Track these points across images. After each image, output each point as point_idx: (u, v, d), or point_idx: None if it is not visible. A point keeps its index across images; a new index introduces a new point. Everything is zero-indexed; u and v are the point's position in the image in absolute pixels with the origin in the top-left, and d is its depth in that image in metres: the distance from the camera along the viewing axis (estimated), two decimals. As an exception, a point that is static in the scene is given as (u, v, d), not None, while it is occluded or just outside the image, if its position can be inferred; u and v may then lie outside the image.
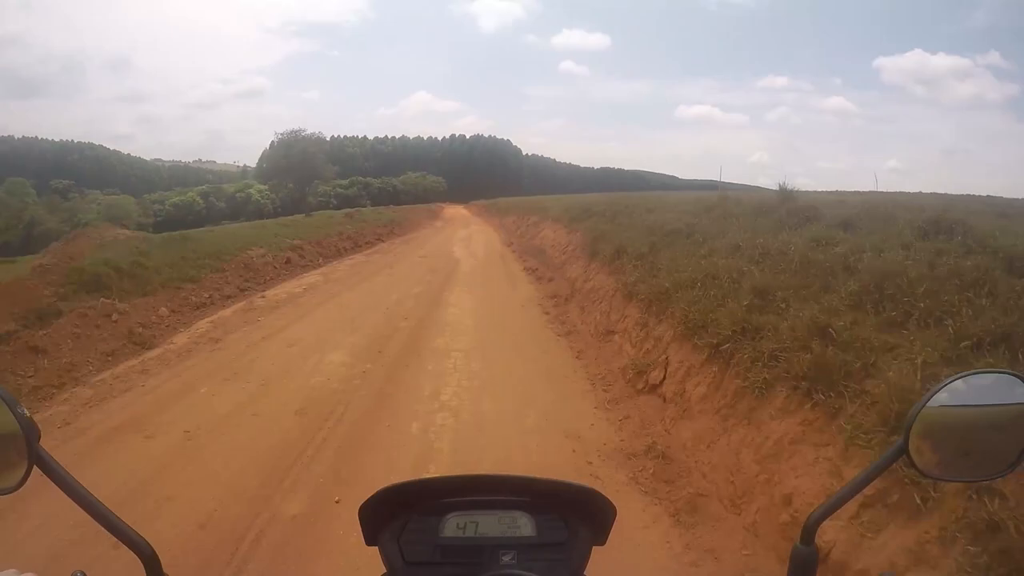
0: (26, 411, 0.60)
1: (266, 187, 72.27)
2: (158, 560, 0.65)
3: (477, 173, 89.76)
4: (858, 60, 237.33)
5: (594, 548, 0.86)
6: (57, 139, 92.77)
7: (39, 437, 0.60)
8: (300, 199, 70.69)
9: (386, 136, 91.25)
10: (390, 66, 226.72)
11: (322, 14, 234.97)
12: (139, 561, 0.64)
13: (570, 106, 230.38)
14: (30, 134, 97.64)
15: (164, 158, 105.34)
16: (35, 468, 0.60)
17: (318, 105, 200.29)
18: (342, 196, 68.25)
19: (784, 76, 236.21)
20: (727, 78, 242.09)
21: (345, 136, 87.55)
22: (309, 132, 39.13)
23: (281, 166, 39.37)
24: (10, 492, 0.61)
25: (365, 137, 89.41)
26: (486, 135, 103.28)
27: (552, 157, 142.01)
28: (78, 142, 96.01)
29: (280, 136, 38.59)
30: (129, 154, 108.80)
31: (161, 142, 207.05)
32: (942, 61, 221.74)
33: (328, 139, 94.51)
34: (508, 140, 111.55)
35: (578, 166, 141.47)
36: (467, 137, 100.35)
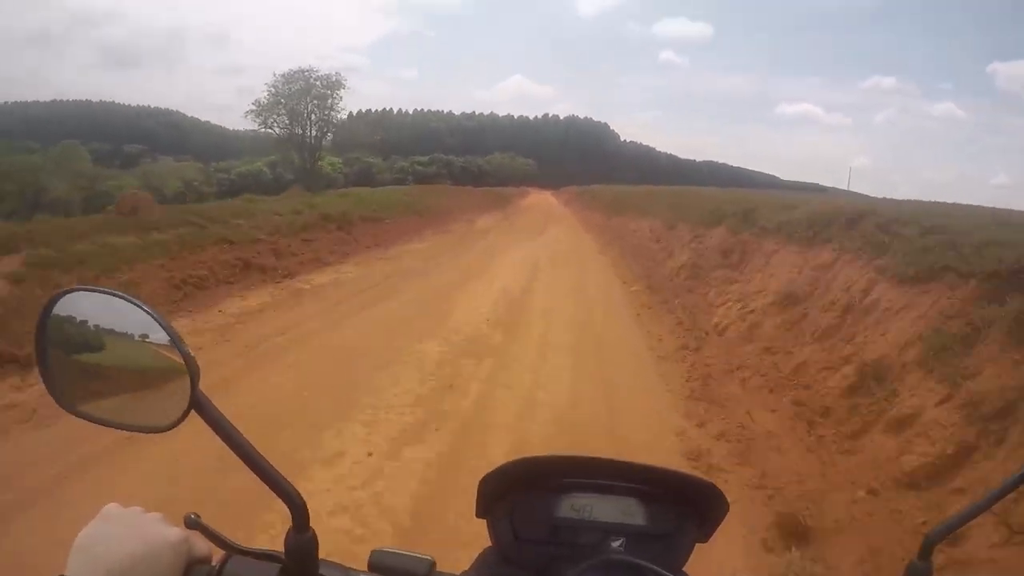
0: (190, 350, 0.60)
1: (340, 160, 68.29)
2: (307, 511, 0.65)
3: (570, 157, 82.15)
4: (971, 64, 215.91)
5: (697, 546, 0.85)
6: (133, 104, 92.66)
7: (200, 377, 0.60)
8: (375, 173, 65.82)
9: (474, 112, 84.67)
10: (487, 48, 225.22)
11: None
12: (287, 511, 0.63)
13: (667, 97, 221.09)
14: (129, 101, 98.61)
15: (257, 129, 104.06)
16: (192, 411, 0.61)
17: (414, 84, 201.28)
18: (420, 173, 62.83)
19: (891, 77, 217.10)
20: (831, 77, 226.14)
21: (429, 110, 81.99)
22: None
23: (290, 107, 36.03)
24: (164, 431, 0.62)
25: (451, 112, 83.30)
26: (582, 117, 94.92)
27: (652, 146, 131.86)
28: (154, 107, 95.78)
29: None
30: (208, 121, 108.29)
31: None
32: None
33: (410, 112, 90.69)
34: (605, 124, 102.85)
35: (678, 157, 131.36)
36: (561, 118, 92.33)
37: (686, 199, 16.75)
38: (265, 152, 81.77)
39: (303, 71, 37.52)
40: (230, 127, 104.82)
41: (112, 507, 0.62)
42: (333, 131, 41.02)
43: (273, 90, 37.95)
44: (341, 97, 39.97)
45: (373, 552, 0.75)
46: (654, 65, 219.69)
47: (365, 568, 0.73)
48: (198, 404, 0.60)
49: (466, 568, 0.83)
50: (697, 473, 0.88)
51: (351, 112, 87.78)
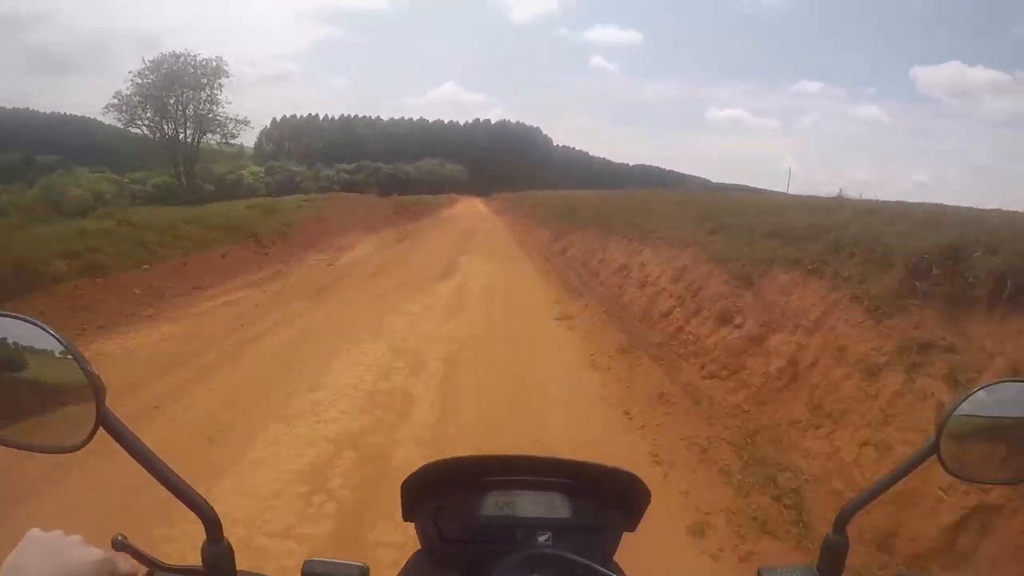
0: (94, 369, 0.61)
1: (262, 169, 65.80)
2: (219, 523, 0.66)
3: (502, 163, 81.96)
4: (894, 69, 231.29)
5: (624, 535, 0.87)
6: (48, 111, 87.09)
7: (105, 396, 0.61)
8: (299, 182, 63.69)
9: (403, 118, 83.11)
10: (419, 55, 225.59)
11: (354, 0, 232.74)
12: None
13: (599, 103, 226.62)
14: (57, 110, 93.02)
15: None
16: (100, 428, 0.62)
17: (345, 92, 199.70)
18: (346, 181, 61.04)
19: (818, 82, 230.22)
20: (759, 82, 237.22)
21: (356, 116, 79.95)
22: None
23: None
24: (74, 451, 0.63)
25: (379, 118, 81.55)
26: (513, 121, 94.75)
27: (585, 150, 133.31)
28: (69, 115, 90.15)
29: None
30: (129, 129, 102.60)
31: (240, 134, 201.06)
32: (980, 74, 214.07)
33: (336, 118, 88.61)
34: (538, 128, 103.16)
35: (612, 161, 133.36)
36: (492, 123, 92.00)
37: (654, 205, 15.19)
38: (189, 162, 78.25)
39: (175, 55, 31.88)
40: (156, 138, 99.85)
41: (34, 532, 0.62)
42: (219, 130, 34.66)
43: (139, 80, 31.97)
44: (222, 87, 34.34)
45: (305, 562, 0.75)
46: (585, 71, 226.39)
47: None
48: (106, 422, 0.60)
49: (398, 571, 0.83)
50: (619, 465, 0.84)
51: (274, 118, 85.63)
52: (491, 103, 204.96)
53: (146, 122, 32.16)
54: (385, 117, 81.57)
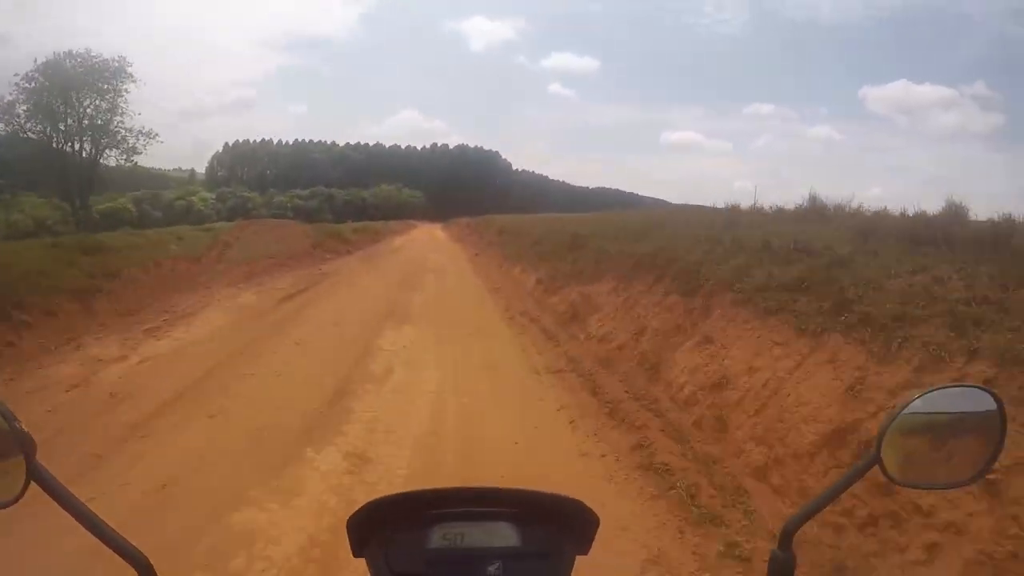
0: (23, 425, 0.62)
1: (212, 195, 63.98)
2: (153, 571, 0.67)
3: (461, 188, 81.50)
4: (844, 89, 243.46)
5: (578, 558, 0.88)
6: None
7: (35, 451, 0.62)
8: (250, 208, 62.01)
9: (359, 143, 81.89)
10: (379, 83, 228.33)
11: (314, 29, 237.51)
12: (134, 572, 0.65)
13: (557, 128, 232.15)
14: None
15: (145, 165, 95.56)
16: (31, 483, 0.63)
17: (305, 119, 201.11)
18: (300, 208, 59.78)
19: (770, 104, 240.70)
20: (713, 105, 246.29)
21: (311, 140, 78.66)
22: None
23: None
24: (7, 506, 0.64)
25: (335, 143, 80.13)
26: (472, 146, 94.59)
27: (544, 174, 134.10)
28: (18, 136, 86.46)
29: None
30: (80, 154, 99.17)
31: (149, 149, 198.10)
32: (927, 91, 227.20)
33: (291, 143, 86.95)
34: (497, 152, 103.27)
35: (571, 184, 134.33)
36: (450, 147, 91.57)
37: (597, 226, 15.16)
38: (136, 188, 75.48)
39: (71, 54, 26.99)
40: (111, 164, 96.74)
41: None
42: (120, 144, 29.32)
43: (26, 84, 27.18)
44: (127, 92, 29.10)
45: None
46: (543, 97, 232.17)
47: None
48: (37, 476, 0.62)
49: None
50: (563, 492, 0.88)
51: (227, 143, 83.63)
52: (451, 129, 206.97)
53: (34, 134, 26.46)
54: (341, 142, 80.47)
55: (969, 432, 0.80)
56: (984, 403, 0.79)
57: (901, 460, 0.78)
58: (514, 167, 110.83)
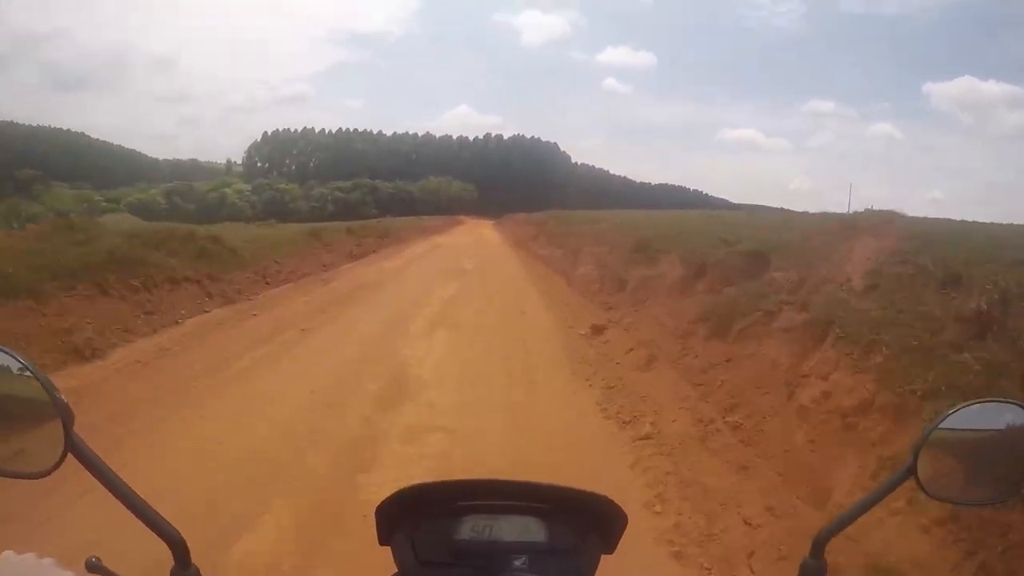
0: (63, 396, 0.64)
1: (248, 187, 59.90)
2: (187, 549, 0.69)
3: (516, 181, 75.60)
4: (907, 85, 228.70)
5: (603, 557, 0.90)
6: (31, 124, 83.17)
7: (73, 421, 0.63)
8: (287, 202, 57.56)
9: (406, 132, 76.35)
10: (433, 79, 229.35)
11: (369, 24, 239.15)
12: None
13: (612, 124, 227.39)
14: (74, 128, 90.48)
15: (200, 159, 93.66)
16: (68, 455, 0.64)
17: (360, 114, 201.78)
18: (341, 200, 54.98)
19: (830, 101, 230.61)
20: (771, 101, 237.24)
21: (354, 130, 73.57)
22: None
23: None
24: (42, 477, 0.65)
25: (380, 132, 74.86)
26: (528, 136, 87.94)
27: (605, 168, 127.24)
28: (52, 128, 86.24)
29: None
30: (121, 146, 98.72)
31: (201, 144, 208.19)
32: (993, 88, 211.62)
33: (332, 132, 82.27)
34: (555, 144, 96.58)
35: (633, 180, 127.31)
36: (505, 138, 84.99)
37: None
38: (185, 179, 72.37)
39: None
40: (153, 155, 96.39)
41: (8, 554, 0.64)
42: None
43: None
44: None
45: None
46: (598, 93, 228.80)
47: None
48: (74, 447, 0.63)
49: None
50: (593, 489, 0.86)
51: (266, 132, 79.74)
52: (505, 124, 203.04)
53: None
54: (388, 132, 75.18)
55: (1006, 448, 0.78)
56: (1020, 419, 0.78)
57: (936, 474, 0.77)
58: (573, 160, 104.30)
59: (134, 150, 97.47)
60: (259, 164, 68.48)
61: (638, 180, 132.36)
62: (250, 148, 70.04)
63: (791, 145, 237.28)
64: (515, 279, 14.39)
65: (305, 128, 70.47)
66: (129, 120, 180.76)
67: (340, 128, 71.77)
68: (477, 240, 29.23)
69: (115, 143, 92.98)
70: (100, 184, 67.65)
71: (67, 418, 0.62)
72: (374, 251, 18.81)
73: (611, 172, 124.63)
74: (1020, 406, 0.78)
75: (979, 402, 0.80)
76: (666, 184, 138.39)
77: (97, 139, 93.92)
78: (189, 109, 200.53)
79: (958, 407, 0.78)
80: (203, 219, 43.55)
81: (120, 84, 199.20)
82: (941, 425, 0.77)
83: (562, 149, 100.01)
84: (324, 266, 13.80)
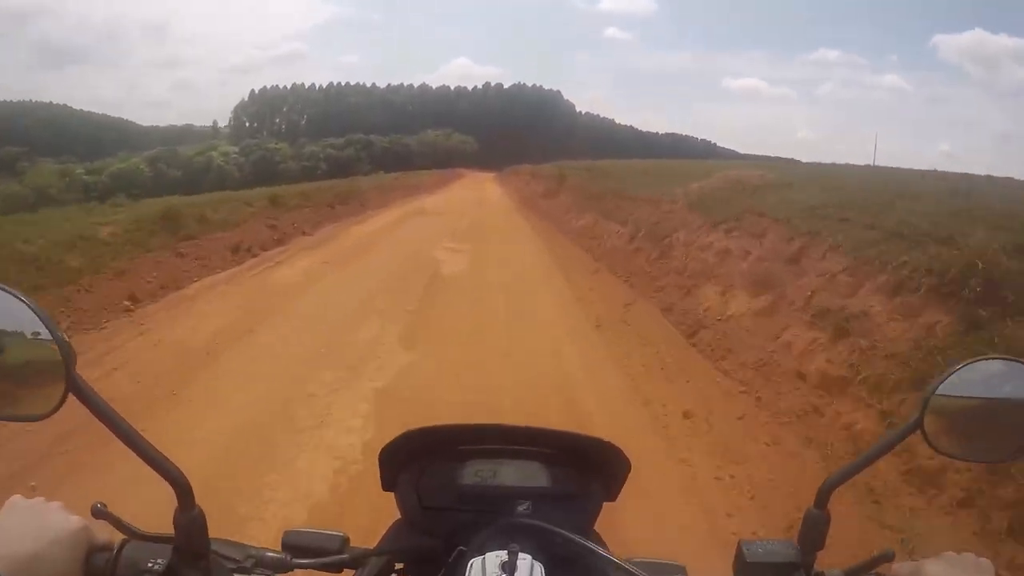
0: (64, 335, 0.62)
1: (235, 149, 57.04)
2: (191, 491, 0.68)
3: (518, 133, 72.28)
4: (916, 36, 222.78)
5: (605, 505, 0.90)
6: (15, 100, 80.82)
7: (75, 362, 0.62)
8: (278, 162, 54.84)
9: (401, 84, 72.48)
10: (430, 30, 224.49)
11: None
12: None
13: (612, 73, 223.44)
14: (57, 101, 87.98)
15: (196, 124, 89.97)
16: (70, 395, 0.63)
17: (356, 69, 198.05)
18: (334, 158, 52.06)
19: (836, 50, 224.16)
20: (776, 50, 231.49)
21: (346, 83, 69.90)
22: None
23: None
24: (43, 418, 0.65)
25: (374, 85, 71.04)
26: (530, 85, 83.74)
27: (611, 118, 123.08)
28: (34, 102, 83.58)
29: None
30: (107, 115, 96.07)
31: (199, 108, 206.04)
32: (1004, 42, 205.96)
33: (323, 87, 78.33)
34: (558, 92, 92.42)
35: (640, 130, 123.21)
36: (504, 87, 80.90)
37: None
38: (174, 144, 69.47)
39: None
40: (149, 123, 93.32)
41: (16, 499, 0.65)
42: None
43: None
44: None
45: (285, 532, 0.78)
46: (599, 41, 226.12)
47: (278, 548, 0.75)
48: (76, 388, 0.62)
49: (377, 540, 0.85)
50: (597, 434, 0.86)
51: (253, 90, 76.06)
52: (504, 75, 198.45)
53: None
54: (382, 85, 71.35)
55: (1012, 408, 0.77)
56: None
57: (943, 429, 0.76)
58: (577, 109, 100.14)
59: (121, 118, 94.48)
60: (247, 125, 65.43)
61: (645, 130, 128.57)
62: (237, 108, 66.91)
63: (796, 95, 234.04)
64: (519, 229, 12.48)
65: (295, 84, 67.11)
66: (122, 90, 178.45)
67: (331, 83, 68.22)
68: (479, 194, 26.68)
69: (100, 113, 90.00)
70: (87, 156, 65.15)
71: (68, 357, 0.60)
72: (304, 232, 12.09)
73: (617, 122, 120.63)
74: None
75: (988, 358, 0.78)
76: (674, 134, 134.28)
77: (80, 110, 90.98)
78: (182, 74, 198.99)
79: (967, 362, 0.76)
80: (189, 187, 40.83)
81: (111, 54, 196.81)
82: (949, 379, 0.75)
83: (566, 98, 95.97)
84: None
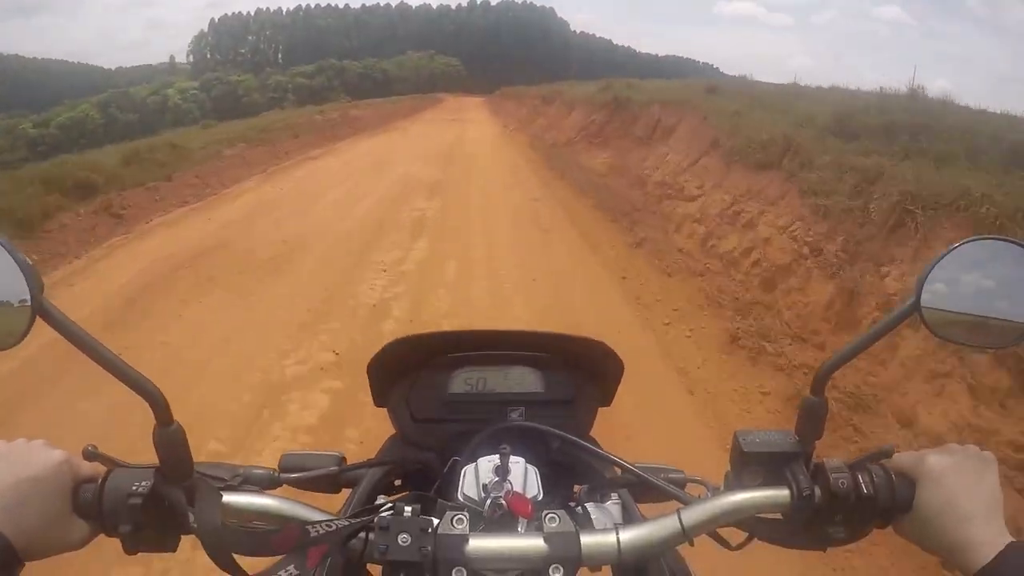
0: (27, 259, 0.60)
1: (195, 84, 51.75)
2: (167, 405, 0.66)
3: (508, 53, 66.54)
4: None
5: (600, 410, 0.90)
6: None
7: (42, 288, 0.61)
8: (242, 95, 49.77)
9: (376, 4, 65.58)
10: None
11: None
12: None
13: None
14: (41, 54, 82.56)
15: (180, 61, 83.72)
16: (37, 319, 0.61)
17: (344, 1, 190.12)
18: (303, 88, 46.81)
19: None
20: None
21: (316, 5, 63.11)
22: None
23: None
24: (12, 346, 0.62)
25: (347, 6, 64.20)
26: (519, 2, 76.54)
27: (608, 38, 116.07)
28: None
29: None
30: (65, 60, 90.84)
31: (173, 48, 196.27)
32: None
33: (290, 9, 71.24)
34: (552, 9, 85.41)
35: (638, 51, 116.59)
36: (492, 3, 73.78)
37: None
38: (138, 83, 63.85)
39: None
40: (117, 65, 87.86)
41: (20, 441, 0.65)
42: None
43: None
44: None
45: (283, 455, 0.77)
46: None
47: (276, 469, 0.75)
48: (43, 311, 0.61)
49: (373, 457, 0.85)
50: (586, 335, 0.84)
51: (213, 19, 69.26)
52: None
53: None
54: (356, 5, 64.61)
55: (1012, 291, 0.74)
56: None
57: (941, 312, 0.73)
58: (572, 27, 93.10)
59: (85, 63, 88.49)
60: (209, 57, 59.59)
61: (643, 51, 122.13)
62: (194, 40, 60.78)
63: (794, 22, 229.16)
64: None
65: (259, 9, 60.53)
66: (95, 35, 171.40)
67: (299, 5, 61.58)
68: (455, 139, 15.59)
69: (58, 59, 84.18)
70: (42, 108, 60.03)
71: (33, 282, 0.59)
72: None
73: (614, 42, 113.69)
74: None
75: (985, 238, 0.74)
76: (675, 56, 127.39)
77: (34, 58, 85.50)
78: (153, 12, 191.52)
79: (963, 241, 0.73)
80: (144, 129, 35.99)
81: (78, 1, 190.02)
82: (945, 260, 0.73)
83: (559, 16, 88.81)
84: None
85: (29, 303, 0.59)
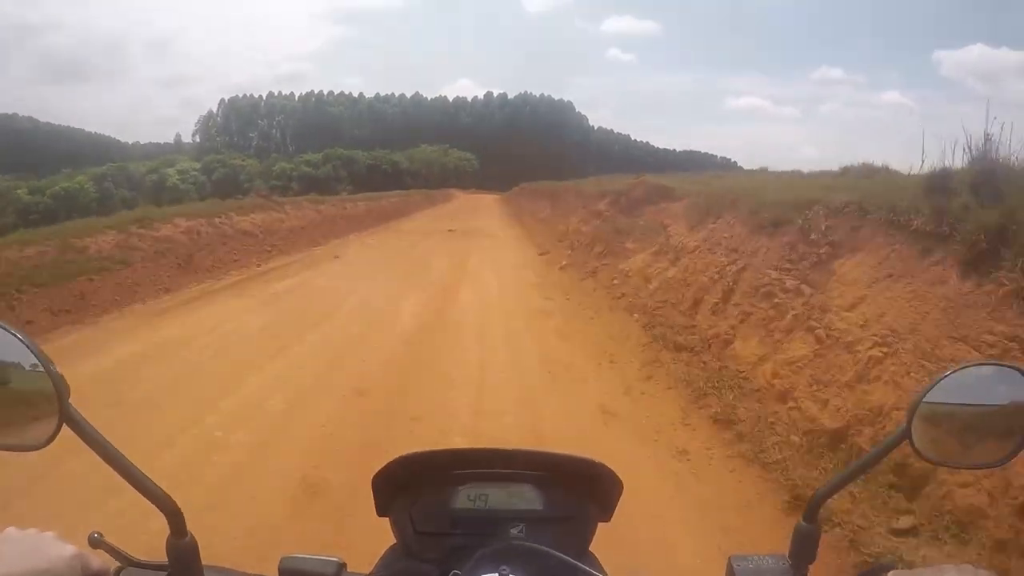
0: (57, 368, 0.65)
1: (196, 165, 49.67)
2: (182, 517, 0.71)
3: (525, 148, 64.75)
4: (916, 53, 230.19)
5: (600, 525, 0.91)
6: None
7: (69, 395, 0.65)
8: (243, 180, 47.38)
9: (391, 94, 64.46)
10: (433, 52, 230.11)
11: (366, 0, 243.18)
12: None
13: (619, 95, 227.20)
14: (67, 122, 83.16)
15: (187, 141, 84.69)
16: (64, 426, 0.65)
17: (359, 90, 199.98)
18: (308, 177, 44.52)
19: (838, 68, 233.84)
20: (779, 69, 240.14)
21: (328, 92, 62.12)
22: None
23: None
24: (38, 449, 0.67)
25: (361, 95, 63.20)
26: (537, 94, 75.86)
27: (627, 133, 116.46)
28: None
29: None
30: (83, 130, 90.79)
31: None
32: (1006, 56, 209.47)
33: (302, 95, 70.87)
34: (570, 103, 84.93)
35: (655, 146, 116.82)
36: (509, 97, 72.79)
37: None
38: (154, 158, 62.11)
39: None
40: (135, 140, 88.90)
41: (10, 530, 0.67)
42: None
43: None
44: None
45: (282, 558, 0.78)
46: (602, 63, 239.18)
47: (273, 574, 0.76)
48: (70, 419, 0.64)
49: (373, 566, 0.85)
50: (587, 455, 0.88)
51: (222, 99, 68.52)
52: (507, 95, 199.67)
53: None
54: (369, 94, 63.58)
55: (1004, 415, 0.77)
56: (1018, 385, 0.76)
57: (931, 437, 0.77)
58: (590, 122, 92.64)
59: (98, 133, 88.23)
60: (217, 138, 57.98)
61: (660, 146, 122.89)
62: (202, 120, 59.43)
63: (799, 113, 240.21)
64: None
65: (269, 93, 59.51)
66: (128, 108, 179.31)
67: (311, 91, 60.53)
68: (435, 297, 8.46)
69: (65, 125, 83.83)
70: (45, 174, 58.58)
71: (62, 389, 0.63)
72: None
73: (632, 137, 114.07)
74: (1015, 369, 0.76)
75: (977, 364, 0.79)
76: (691, 150, 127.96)
77: (46, 123, 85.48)
78: (189, 91, 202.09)
79: (955, 368, 0.77)
80: (136, 207, 33.20)
81: (117, 72, 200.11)
82: (936, 388, 0.76)
83: (578, 110, 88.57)
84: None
85: (57, 411, 0.62)
